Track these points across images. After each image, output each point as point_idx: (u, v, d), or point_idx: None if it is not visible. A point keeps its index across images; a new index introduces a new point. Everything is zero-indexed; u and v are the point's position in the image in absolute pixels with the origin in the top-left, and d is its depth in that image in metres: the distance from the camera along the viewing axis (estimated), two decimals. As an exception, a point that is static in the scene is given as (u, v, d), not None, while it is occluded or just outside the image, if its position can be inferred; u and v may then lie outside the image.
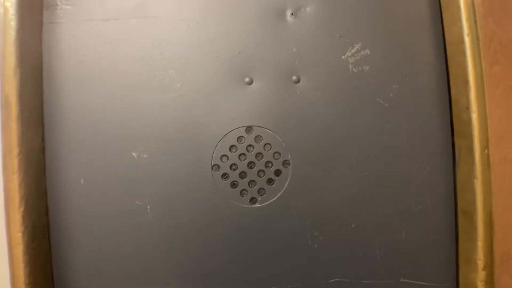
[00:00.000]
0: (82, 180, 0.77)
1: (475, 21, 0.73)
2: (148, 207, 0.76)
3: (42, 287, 0.75)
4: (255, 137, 0.77)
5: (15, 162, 0.71)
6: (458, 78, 0.75)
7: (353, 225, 0.78)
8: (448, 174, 0.79)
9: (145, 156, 0.76)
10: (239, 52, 0.77)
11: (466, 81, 0.73)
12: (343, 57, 0.78)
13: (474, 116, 0.73)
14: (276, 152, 0.77)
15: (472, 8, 0.73)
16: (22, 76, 0.72)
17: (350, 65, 0.78)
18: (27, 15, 0.74)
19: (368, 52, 0.78)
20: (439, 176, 0.79)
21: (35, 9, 0.77)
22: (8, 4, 0.73)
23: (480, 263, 0.73)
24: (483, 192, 0.73)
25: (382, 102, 0.78)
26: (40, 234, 0.75)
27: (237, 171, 0.77)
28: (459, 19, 0.74)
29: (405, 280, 0.79)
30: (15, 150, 0.71)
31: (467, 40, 0.73)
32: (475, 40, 0.73)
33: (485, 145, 0.72)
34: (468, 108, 0.73)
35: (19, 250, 0.71)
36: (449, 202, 0.79)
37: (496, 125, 0.73)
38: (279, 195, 0.77)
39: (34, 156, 0.74)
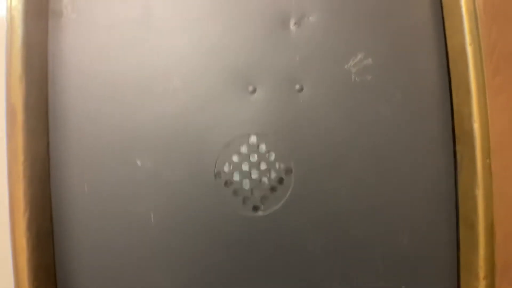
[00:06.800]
0: (86, 186, 0.77)
1: (478, 31, 0.73)
2: (152, 214, 0.77)
3: (46, 293, 0.76)
4: (258, 145, 0.78)
5: (20, 169, 0.72)
6: (460, 87, 0.76)
7: (355, 233, 0.78)
8: (450, 183, 0.79)
9: (149, 163, 0.77)
10: (242, 61, 0.78)
11: (468, 91, 0.73)
12: (346, 66, 0.78)
13: (476, 125, 0.73)
14: (279, 160, 0.78)
15: (474, 18, 0.73)
16: (28, 84, 0.73)
17: (352, 74, 0.78)
18: (33, 23, 0.75)
19: (371, 62, 0.78)
20: (441, 185, 0.79)
21: (41, 17, 0.77)
22: (14, 12, 0.73)
23: (481, 271, 0.73)
24: (484, 201, 0.73)
25: (384, 110, 0.78)
26: (44, 240, 0.76)
27: (240, 179, 0.78)
28: (461, 29, 0.74)
29: (406, 288, 0.80)
30: (20, 158, 0.72)
31: (469, 49, 0.73)
32: (477, 50, 0.73)
33: (486, 155, 0.73)
34: (470, 117, 0.73)
35: (24, 255, 0.72)
36: (450, 210, 0.79)
37: (497, 134, 0.73)
38: (282, 203, 0.78)
39: (39, 163, 0.75)
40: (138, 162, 0.77)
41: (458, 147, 0.78)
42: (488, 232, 0.73)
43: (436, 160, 0.79)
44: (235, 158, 0.78)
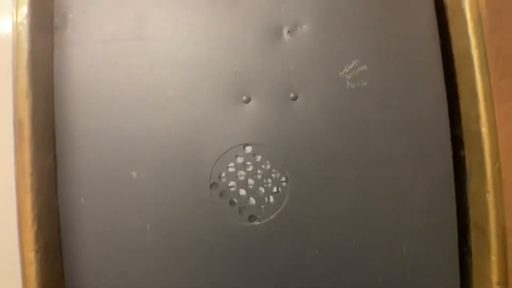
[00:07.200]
0: (82, 199, 0.79)
1: (482, 35, 0.70)
2: (148, 226, 0.78)
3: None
4: (253, 155, 0.78)
5: (28, 182, 0.74)
6: (467, 91, 0.74)
7: (353, 242, 0.77)
8: (450, 190, 0.77)
9: (144, 175, 0.78)
10: (236, 71, 0.77)
11: (474, 95, 0.72)
12: (340, 73, 0.76)
13: (484, 129, 0.71)
14: (274, 170, 0.78)
15: (478, 22, 0.71)
16: (35, 97, 0.75)
17: (347, 82, 0.76)
18: (39, 37, 0.77)
19: (366, 68, 0.76)
20: (441, 192, 0.77)
21: (46, 31, 0.80)
22: (20, 28, 0.76)
23: (494, 278, 0.72)
24: (495, 206, 0.71)
25: (380, 118, 0.76)
26: (52, 253, 0.78)
27: (235, 189, 0.78)
28: (466, 32, 0.72)
29: (408, 298, 0.78)
30: (28, 171, 0.75)
31: (474, 53, 0.72)
32: (483, 54, 0.71)
33: (496, 159, 0.71)
34: (477, 121, 0.71)
35: (32, 269, 0.74)
36: (451, 218, 0.77)
37: (506, 138, 0.71)
38: (277, 212, 0.77)
39: (46, 175, 0.78)
40: (133, 174, 0.78)
41: (466, 153, 0.76)
42: (500, 238, 0.72)
43: (435, 167, 0.77)
44: (230, 169, 0.78)
